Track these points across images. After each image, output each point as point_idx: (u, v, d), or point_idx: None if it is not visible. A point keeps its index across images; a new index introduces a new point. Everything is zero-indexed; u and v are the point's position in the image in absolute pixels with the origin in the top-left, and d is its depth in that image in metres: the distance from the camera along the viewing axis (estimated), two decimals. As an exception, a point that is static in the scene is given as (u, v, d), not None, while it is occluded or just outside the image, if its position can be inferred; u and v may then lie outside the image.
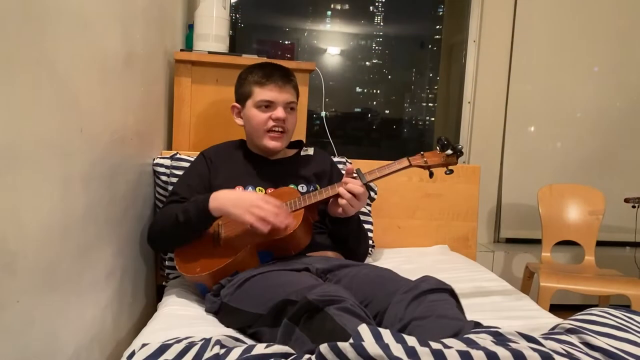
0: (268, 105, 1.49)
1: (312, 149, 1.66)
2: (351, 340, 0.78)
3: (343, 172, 1.76)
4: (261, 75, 1.50)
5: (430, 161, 1.39)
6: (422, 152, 1.40)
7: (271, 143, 1.51)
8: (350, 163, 1.96)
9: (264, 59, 1.95)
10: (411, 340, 0.80)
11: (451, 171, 1.38)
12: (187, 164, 1.68)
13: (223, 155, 1.59)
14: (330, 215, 1.44)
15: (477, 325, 1.00)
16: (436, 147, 1.39)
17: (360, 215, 1.55)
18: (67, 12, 0.95)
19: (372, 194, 1.93)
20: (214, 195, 1.33)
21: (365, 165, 2.00)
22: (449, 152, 1.36)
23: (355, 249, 1.52)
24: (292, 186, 1.52)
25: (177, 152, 1.76)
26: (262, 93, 1.48)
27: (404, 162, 1.40)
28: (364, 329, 0.82)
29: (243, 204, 1.28)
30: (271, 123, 1.49)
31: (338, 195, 1.36)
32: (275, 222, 1.25)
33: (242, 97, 1.54)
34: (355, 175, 1.39)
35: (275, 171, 1.55)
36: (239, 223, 1.34)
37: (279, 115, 1.48)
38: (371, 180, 1.40)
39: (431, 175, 1.41)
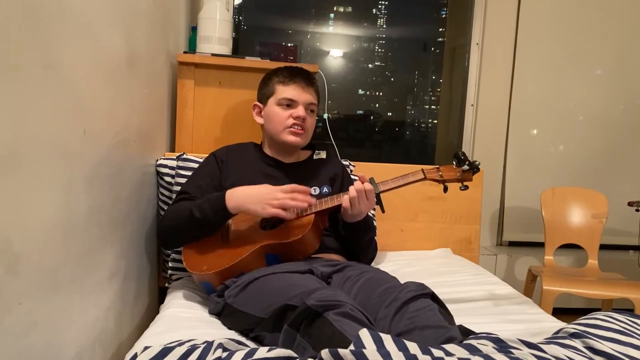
0: (290, 104, 1.53)
1: (324, 152, 1.68)
2: (352, 347, 0.78)
3: (352, 176, 1.78)
4: (286, 75, 1.55)
5: (445, 175, 1.37)
6: (438, 166, 1.39)
7: (291, 137, 1.53)
8: (354, 166, 1.97)
9: (267, 62, 1.95)
10: (413, 348, 0.79)
11: (466, 187, 1.36)
12: (194, 164, 1.68)
13: (235, 156, 1.60)
14: (343, 221, 1.46)
15: (466, 331, 0.99)
16: (453, 162, 1.37)
17: (373, 224, 1.56)
18: (71, 14, 0.96)
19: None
20: (231, 193, 1.35)
21: (367, 167, 2.01)
22: (465, 167, 1.34)
23: (362, 257, 1.53)
24: None
25: (184, 152, 1.76)
26: (285, 91, 1.53)
27: (419, 174, 1.38)
28: (364, 334, 0.82)
29: (260, 198, 1.30)
30: (291, 121, 1.52)
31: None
32: (296, 205, 1.30)
33: (264, 95, 1.59)
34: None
35: (289, 174, 1.57)
36: (249, 223, 1.35)
37: (299, 113, 1.51)
38: (385, 191, 1.39)
39: (445, 189, 1.39)
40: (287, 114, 1.53)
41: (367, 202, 1.37)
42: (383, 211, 1.40)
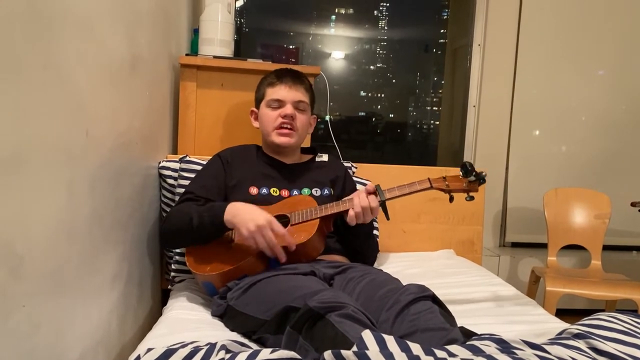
0: (278, 105, 1.55)
1: (326, 155, 1.70)
2: (355, 348, 0.78)
3: (355, 178, 1.78)
4: (273, 77, 1.58)
5: (452, 185, 1.36)
6: (444, 176, 1.38)
7: (279, 139, 1.54)
8: (356, 168, 1.96)
9: (269, 64, 1.96)
10: (415, 349, 0.79)
11: (472, 198, 1.35)
12: (196, 167, 1.69)
13: (239, 156, 1.61)
14: (343, 221, 1.45)
15: (467, 332, 0.99)
16: (460, 172, 1.36)
17: (373, 228, 1.56)
18: (73, 16, 0.96)
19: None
20: (230, 208, 1.34)
21: (369, 168, 2.01)
22: (472, 178, 1.34)
23: (363, 256, 1.53)
24: (306, 190, 1.54)
25: (187, 155, 1.77)
26: (273, 93, 1.56)
27: (425, 183, 1.37)
28: (367, 335, 0.82)
29: (250, 224, 1.27)
30: (280, 120, 1.53)
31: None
32: (274, 252, 1.29)
33: (258, 100, 1.62)
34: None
35: (291, 174, 1.57)
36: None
37: (287, 111, 1.52)
38: (390, 198, 1.38)
39: (451, 199, 1.38)
40: (275, 114, 1.54)
41: (371, 215, 1.36)
42: (388, 218, 1.40)
